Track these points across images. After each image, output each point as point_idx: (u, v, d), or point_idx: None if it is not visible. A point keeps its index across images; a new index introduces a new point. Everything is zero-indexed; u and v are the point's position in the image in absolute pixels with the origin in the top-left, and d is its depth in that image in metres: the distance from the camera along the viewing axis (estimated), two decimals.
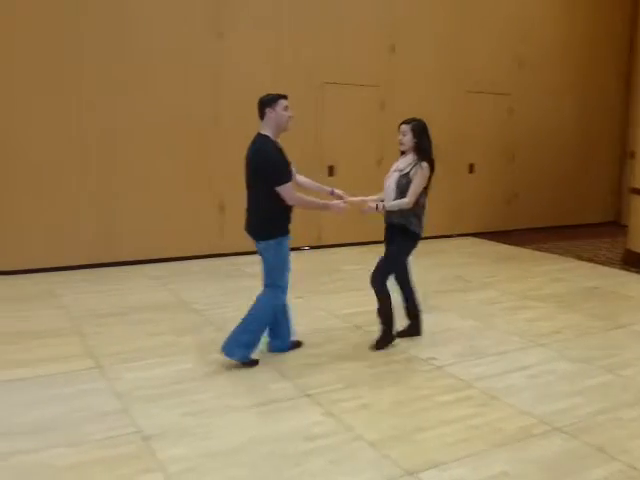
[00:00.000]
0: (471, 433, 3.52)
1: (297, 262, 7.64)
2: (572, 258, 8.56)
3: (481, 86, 9.95)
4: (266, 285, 4.50)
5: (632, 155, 9.73)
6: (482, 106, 10.02)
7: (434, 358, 4.66)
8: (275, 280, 4.47)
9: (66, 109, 6.98)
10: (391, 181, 4.75)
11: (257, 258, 4.55)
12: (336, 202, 4.61)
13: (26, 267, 6.92)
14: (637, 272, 7.66)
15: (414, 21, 9.15)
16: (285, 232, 4.43)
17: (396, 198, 4.69)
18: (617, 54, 11.48)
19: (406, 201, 4.63)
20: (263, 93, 4.44)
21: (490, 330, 5.36)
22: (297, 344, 4.83)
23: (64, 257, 7.12)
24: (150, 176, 7.50)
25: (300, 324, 5.29)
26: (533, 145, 10.68)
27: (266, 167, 4.28)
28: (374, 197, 4.88)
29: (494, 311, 5.93)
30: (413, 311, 5.11)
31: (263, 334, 4.51)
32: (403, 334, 5.05)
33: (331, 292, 6.49)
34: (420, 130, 4.76)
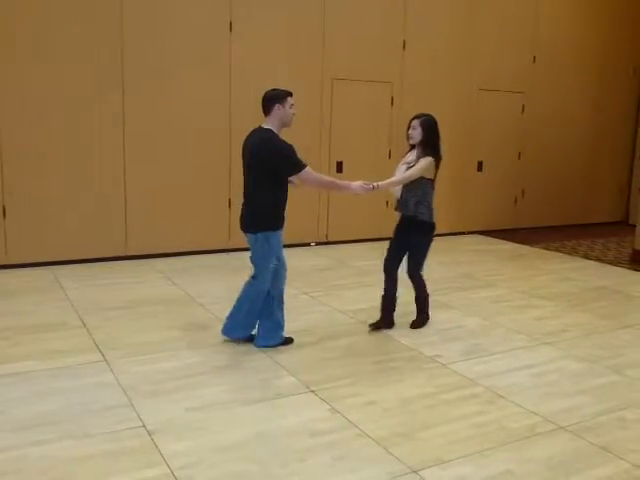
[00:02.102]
0: (476, 431, 3.52)
1: (303, 258, 7.73)
2: (580, 257, 8.53)
3: (495, 84, 9.91)
4: (254, 276, 4.62)
5: None
6: (495, 104, 9.96)
7: (439, 356, 4.66)
8: (260, 272, 4.53)
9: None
10: (399, 173, 4.93)
11: None
12: (357, 183, 4.58)
13: (32, 260, 6.95)
14: None
15: (426, 17, 9.09)
16: (275, 228, 4.43)
17: (402, 189, 4.93)
18: (632, 53, 11.39)
19: (398, 179, 4.84)
20: (271, 88, 4.46)
21: (496, 328, 5.35)
22: (288, 340, 4.80)
23: (69, 251, 7.14)
24: (159, 170, 7.53)
25: (305, 320, 5.31)
26: (543, 144, 10.62)
27: (279, 157, 4.31)
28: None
29: (501, 309, 5.92)
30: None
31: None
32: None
33: (337, 288, 6.48)
34: (429, 126, 4.90)
